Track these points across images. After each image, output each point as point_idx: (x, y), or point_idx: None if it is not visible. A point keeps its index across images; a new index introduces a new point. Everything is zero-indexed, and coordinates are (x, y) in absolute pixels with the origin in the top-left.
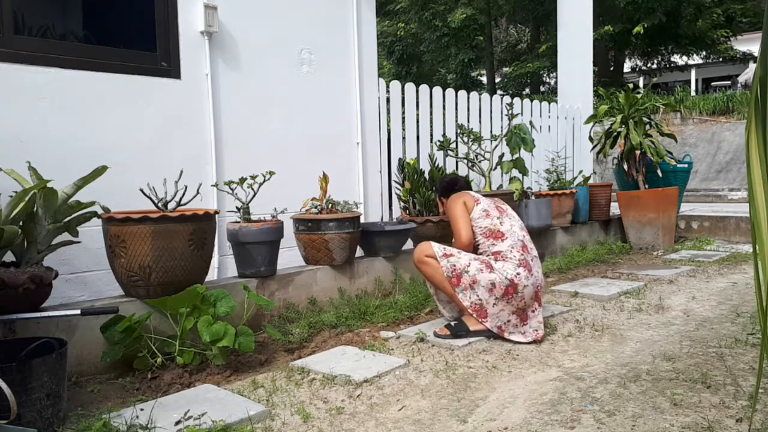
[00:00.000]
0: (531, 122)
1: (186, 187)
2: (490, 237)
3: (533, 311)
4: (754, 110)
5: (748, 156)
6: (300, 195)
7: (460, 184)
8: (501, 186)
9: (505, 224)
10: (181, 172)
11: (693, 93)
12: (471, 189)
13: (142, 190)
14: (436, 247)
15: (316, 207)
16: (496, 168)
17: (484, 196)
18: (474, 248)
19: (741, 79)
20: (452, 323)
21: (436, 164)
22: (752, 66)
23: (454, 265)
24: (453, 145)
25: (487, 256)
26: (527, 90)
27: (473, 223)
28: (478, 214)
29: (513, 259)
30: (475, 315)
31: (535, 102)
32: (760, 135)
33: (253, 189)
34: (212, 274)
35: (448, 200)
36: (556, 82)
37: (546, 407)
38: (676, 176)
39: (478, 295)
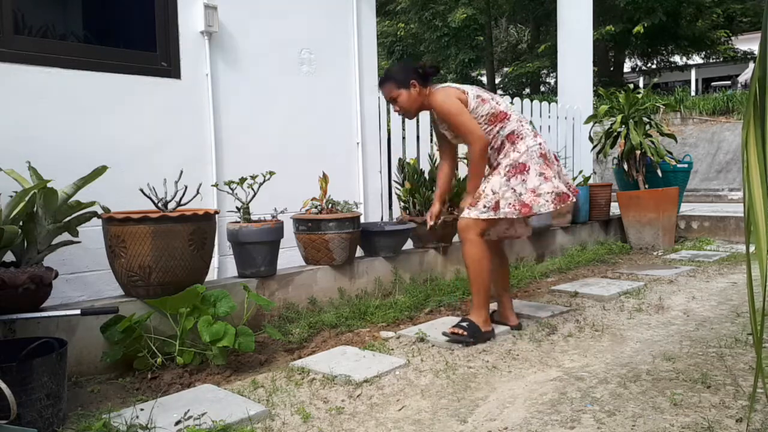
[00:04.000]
0: (531, 122)
1: (186, 187)
2: (495, 122)
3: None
4: (752, 110)
5: (745, 155)
6: (300, 195)
7: (427, 69)
8: None
9: (502, 103)
10: (181, 172)
11: (693, 93)
12: None
13: (142, 190)
14: (473, 219)
15: (316, 207)
16: None
17: None
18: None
19: (741, 79)
20: (463, 323)
21: (436, 164)
22: (752, 66)
23: (493, 203)
24: None
25: (501, 142)
26: (527, 90)
27: (473, 115)
28: (474, 103)
29: (528, 133)
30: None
31: (535, 102)
32: (758, 135)
33: (253, 189)
34: (212, 274)
35: (431, 93)
36: (556, 82)
37: (546, 407)
38: (676, 176)
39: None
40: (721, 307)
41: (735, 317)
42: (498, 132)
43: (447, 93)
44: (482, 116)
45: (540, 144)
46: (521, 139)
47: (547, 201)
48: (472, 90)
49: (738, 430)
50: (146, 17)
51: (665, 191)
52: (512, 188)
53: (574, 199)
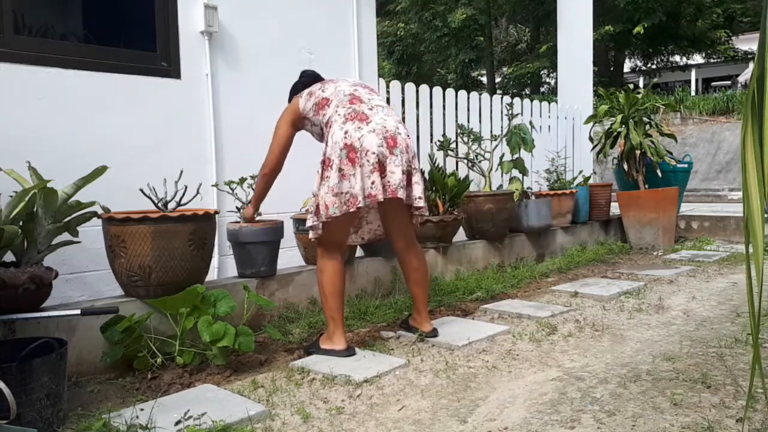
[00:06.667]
0: (531, 122)
1: (186, 187)
2: (319, 112)
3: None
4: (751, 109)
5: (743, 155)
6: (300, 195)
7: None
8: (501, 186)
9: (328, 90)
10: (181, 172)
11: (693, 93)
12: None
13: (142, 190)
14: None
15: None
16: (496, 168)
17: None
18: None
19: (741, 78)
20: (314, 337)
21: (436, 164)
22: (753, 65)
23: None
24: (453, 145)
25: (323, 132)
26: (527, 90)
27: (309, 114)
28: (303, 103)
29: (338, 119)
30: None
31: (535, 102)
32: (755, 134)
33: (253, 189)
34: (212, 274)
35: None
36: (556, 82)
37: (546, 407)
38: (676, 176)
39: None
40: (721, 307)
41: (735, 317)
42: (321, 121)
43: (288, 107)
44: (310, 109)
45: (346, 133)
46: (330, 127)
47: (340, 203)
48: (314, 87)
49: (738, 430)
50: (146, 17)
51: (665, 191)
52: (322, 186)
53: (380, 199)
